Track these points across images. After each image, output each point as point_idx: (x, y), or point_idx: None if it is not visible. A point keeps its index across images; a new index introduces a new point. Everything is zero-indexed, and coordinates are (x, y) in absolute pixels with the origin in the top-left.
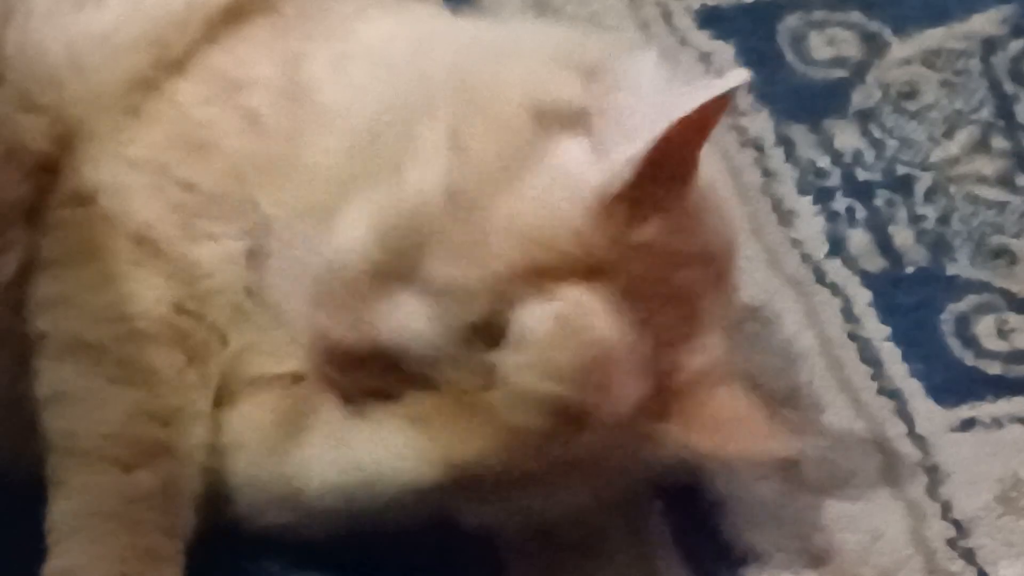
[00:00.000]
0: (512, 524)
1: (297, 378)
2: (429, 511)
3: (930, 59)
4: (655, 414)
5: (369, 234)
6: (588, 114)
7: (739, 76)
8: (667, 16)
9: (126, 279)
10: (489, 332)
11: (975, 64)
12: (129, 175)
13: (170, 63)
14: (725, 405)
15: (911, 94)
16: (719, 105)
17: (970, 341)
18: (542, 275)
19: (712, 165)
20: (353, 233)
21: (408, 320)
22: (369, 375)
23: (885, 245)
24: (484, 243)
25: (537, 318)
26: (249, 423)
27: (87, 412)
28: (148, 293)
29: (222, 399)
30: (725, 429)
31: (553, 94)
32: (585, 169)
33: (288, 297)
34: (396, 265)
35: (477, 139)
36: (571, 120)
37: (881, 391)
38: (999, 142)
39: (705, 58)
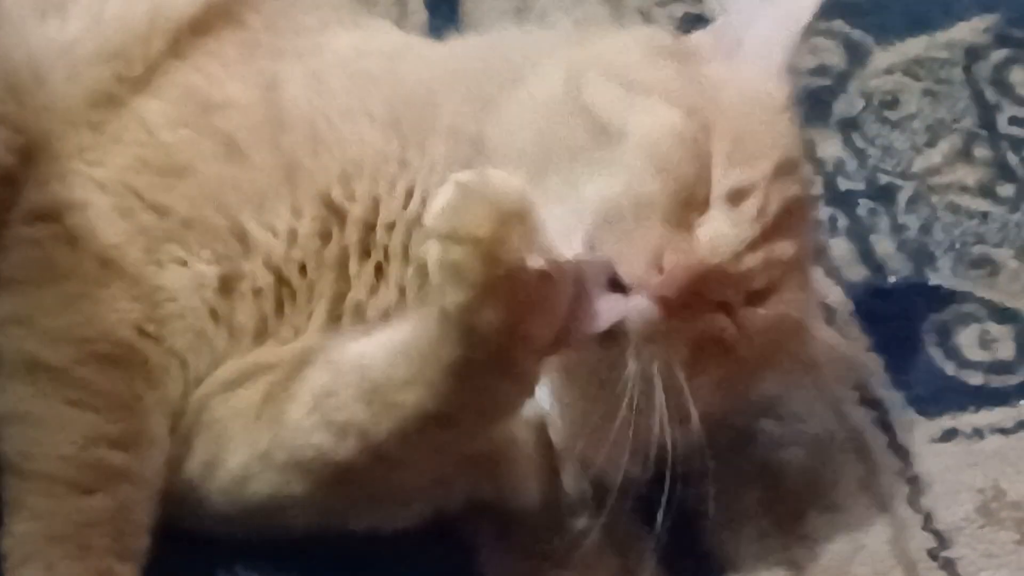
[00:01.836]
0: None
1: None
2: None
3: (913, 68)
4: None
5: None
6: (690, 47)
7: None
8: (649, 23)
9: (87, 300)
10: None
11: (957, 73)
12: (97, 196)
13: (134, 79)
14: None
15: (893, 103)
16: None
17: (952, 351)
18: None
19: None
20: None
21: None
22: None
23: (867, 254)
24: (744, 151)
25: (440, 197)
26: (236, 409)
27: (44, 434)
28: (109, 315)
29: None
30: None
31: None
32: (759, 85)
33: None
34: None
35: (651, 74)
36: (688, 54)
37: (863, 401)
38: (981, 151)
39: None
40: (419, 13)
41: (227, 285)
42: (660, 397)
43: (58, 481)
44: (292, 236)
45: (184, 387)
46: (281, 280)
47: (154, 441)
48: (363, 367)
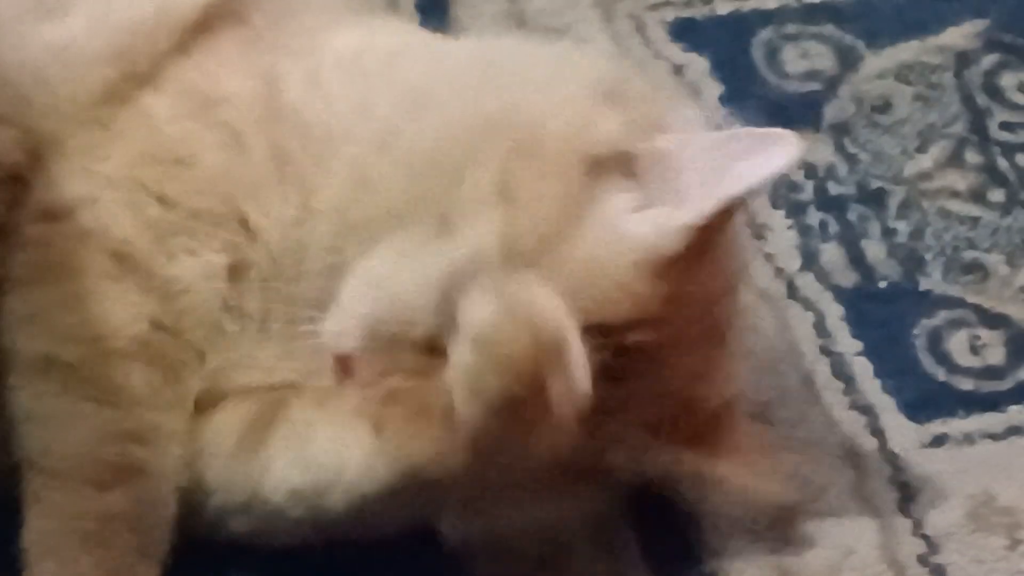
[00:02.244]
0: (488, 536)
1: (274, 388)
2: (400, 521)
3: (904, 73)
4: (686, 440)
5: (431, 293)
6: (631, 157)
7: (790, 151)
8: (641, 28)
9: (101, 296)
10: None
11: (948, 78)
12: (105, 191)
13: (140, 76)
14: (746, 437)
15: (884, 108)
16: (771, 178)
17: (942, 357)
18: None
19: None
20: (418, 287)
21: None
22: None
23: (858, 259)
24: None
25: (481, 308)
26: (220, 430)
27: (60, 431)
28: (123, 310)
29: (199, 410)
30: (742, 460)
31: (599, 137)
32: (636, 227)
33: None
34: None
35: (528, 189)
36: (616, 163)
37: (853, 406)
38: (972, 156)
39: (678, 71)
40: (410, 16)
41: (236, 274)
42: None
43: (77, 477)
44: (283, 224)
45: (201, 381)
46: (278, 266)
47: (173, 435)
48: (343, 466)
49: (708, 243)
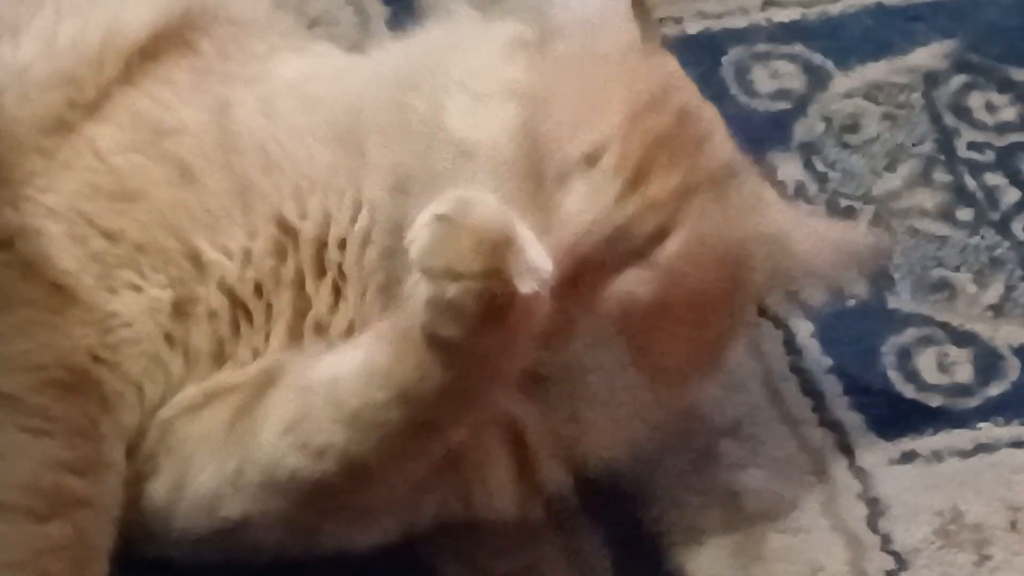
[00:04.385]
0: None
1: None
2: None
3: (872, 92)
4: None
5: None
6: (550, 31)
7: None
8: None
9: (41, 327)
10: None
11: (917, 98)
12: (48, 222)
13: (85, 104)
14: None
15: (854, 127)
16: None
17: (911, 374)
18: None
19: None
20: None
21: None
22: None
23: None
24: (591, 109)
25: (421, 222)
26: (202, 432)
27: None
28: (63, 342)
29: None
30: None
31: (517, 32)
32: (602, 42)
33: None
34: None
35: (506, 73)
36: (546, 40)
37: (822, 423)
38: (940, 176)
39: None
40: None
41: (181, 309)
42: (611, 380)
43: (14, 509)
44: (247, 257)
45: (140, 412)
46: (236, 302)
47: (111, 466)
48: (337, 390)
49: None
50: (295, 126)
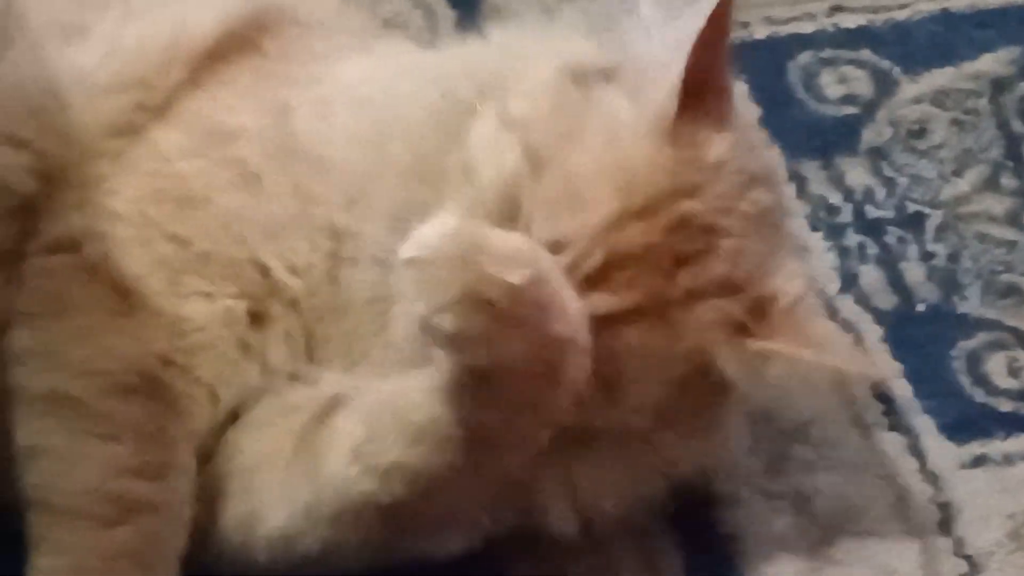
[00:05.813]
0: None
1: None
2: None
3: (940, 98)
4: (761, 335)
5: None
6: (612, 69)
7: None
8: None
9: (109, 331)
10: None
11: (984, 104)
12: (115, 225)
13: (153, 107)
14: (823, 326)
15: (921, 132)
16: (721, 15)
17: (981, 378)
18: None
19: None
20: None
21: None
22: None
23: (896, 282)
24: (577, 196)
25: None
26: (265, 457)
27: (66, 467)
28: (132, 346)
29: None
30: (827, 346)
31: (579, 57)
32: (635, 110)
33: None
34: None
35: (528, 109)
36: (602, 76)
37: (893, 427)
38: (1008, 181)
39: None
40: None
41: (257, 320)
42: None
43: (83, 514)
44: (310, 274)
45: (213, 416)
46: (304, 324)
47: (180, 470)
48: (402, 409)
49: (704, 94)
50: (349, 130)
